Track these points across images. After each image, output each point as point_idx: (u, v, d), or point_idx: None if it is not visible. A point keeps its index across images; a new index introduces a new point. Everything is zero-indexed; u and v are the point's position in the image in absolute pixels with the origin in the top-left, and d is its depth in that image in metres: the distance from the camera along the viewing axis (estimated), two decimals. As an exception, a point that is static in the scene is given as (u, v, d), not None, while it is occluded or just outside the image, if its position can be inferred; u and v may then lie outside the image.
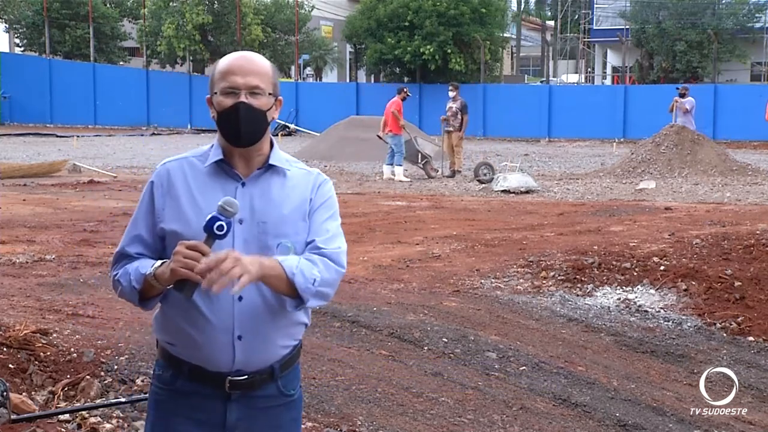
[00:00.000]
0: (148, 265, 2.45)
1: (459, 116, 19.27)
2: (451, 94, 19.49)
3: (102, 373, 4.98)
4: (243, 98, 2.45)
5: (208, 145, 2.60)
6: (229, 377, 2.49)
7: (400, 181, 18.10)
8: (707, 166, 18.66)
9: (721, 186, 16.91)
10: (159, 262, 2.43)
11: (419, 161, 19.08)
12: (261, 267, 2.36)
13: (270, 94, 2.50)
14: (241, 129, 2.46)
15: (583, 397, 5.55)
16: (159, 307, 2.57)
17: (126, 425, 4.39)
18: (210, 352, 2.47)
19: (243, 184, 2.50)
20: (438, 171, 19.26)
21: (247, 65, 2.49)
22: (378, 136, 19.10)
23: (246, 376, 2.50)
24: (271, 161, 2.53)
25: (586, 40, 49.51)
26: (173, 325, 2.52)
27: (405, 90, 19.55)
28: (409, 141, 18.85)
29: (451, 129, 19.30)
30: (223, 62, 2.53)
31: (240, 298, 2.45)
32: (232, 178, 2.51)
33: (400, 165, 18.57)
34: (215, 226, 2.34)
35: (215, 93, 2.50)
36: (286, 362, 2.56)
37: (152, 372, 2.67)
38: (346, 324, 6.53)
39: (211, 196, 2.46)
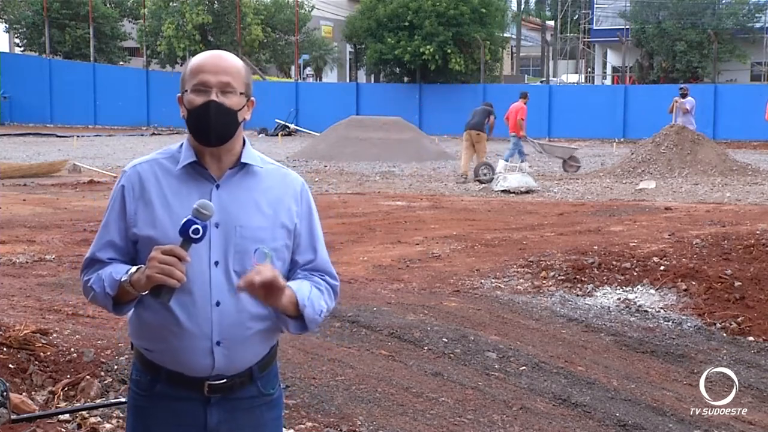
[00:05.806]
0: (122, 271, 2.39)
1: None
2: None
3: (102, 373, 4.98)
4: (214, 96, 2.39)
5: (176, 145, 2.52)
6: (208, 382, 2.44)
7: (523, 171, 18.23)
8: (707, 166, 18.66)
9: (721, 186, 16.90)
10: (134, 268, 2.36)
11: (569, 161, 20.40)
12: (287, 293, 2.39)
13: (242, 93, 2.44)
14: (211, 128, 2.40)
15: (583, 397, 5.54)
16: (133, 310, 2.51)
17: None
18: (188, 358, 2.42)
19: (217, 186, 2.44)
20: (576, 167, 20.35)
21: (220, 63, 2.43)
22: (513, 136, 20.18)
23: (225, 380, 2.46)
24: (243, 159, 2.47)
25: (586, 40, 49.49)
26: (150, 330, 2.46)
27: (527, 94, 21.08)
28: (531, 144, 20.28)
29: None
30: (195, 60, 2.47)
31: (218, 303, 2.41)
32: (206, 179, 2.45)
33: (523, 161, 19.27)
34: (191, 230, 2.28)
35: (186, 91, 2.44)
36: (265, 363, 2.53)
37: (130, 376, 2.63)
38: (346, 324, 6.53)
39: (186, 199, 2.40)
